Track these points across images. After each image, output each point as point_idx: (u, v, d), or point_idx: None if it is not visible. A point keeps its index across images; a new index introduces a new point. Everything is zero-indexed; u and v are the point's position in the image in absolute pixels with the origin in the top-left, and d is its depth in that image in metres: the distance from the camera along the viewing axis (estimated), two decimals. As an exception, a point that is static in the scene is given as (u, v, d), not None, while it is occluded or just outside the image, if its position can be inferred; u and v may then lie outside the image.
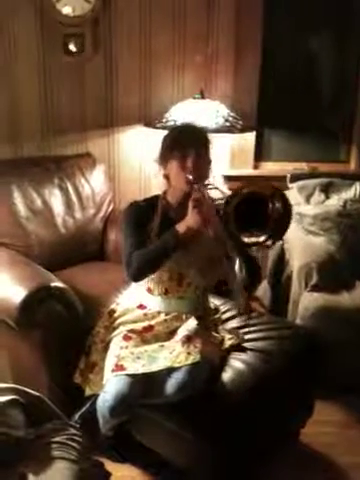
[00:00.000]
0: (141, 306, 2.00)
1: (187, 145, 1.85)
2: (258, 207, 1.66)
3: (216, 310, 2.13)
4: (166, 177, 1.94)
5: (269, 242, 1.68)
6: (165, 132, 2.02)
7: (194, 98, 2.81)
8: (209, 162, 1.92)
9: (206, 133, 1.97)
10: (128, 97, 2.98)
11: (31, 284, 2.04)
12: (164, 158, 1.91)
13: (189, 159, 1.84)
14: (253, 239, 1.66)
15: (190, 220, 1.77)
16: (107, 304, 2.11)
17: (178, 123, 2.63)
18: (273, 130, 3.27)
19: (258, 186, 1.69)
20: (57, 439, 1.53)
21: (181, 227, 1.80)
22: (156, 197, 1.99)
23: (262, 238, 1.67)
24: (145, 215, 1.92)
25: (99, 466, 1.66)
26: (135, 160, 3.08)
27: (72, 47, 2.83)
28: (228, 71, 3.01)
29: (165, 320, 1.95)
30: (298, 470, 2.07)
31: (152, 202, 1.96)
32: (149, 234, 1.89)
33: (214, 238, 1.74)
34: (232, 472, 1.83)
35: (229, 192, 1.97)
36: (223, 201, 1.67)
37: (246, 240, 1.66)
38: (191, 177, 1.83)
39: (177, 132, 1.99)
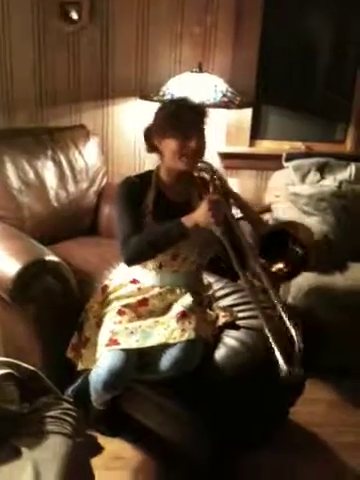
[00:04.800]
0: (134, 281, 1.98)
1: (190, 126, 1.79)
2: (280, 240, 1.78)
3: (210, 287, 2.13)
4: (157, 151, 1.89)
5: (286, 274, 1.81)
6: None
7: (192, 71, 2.75)
8: (206, 142, 1.86)
9: (206, 113, 1.88)
10: (124, 68, 2.92)
11: (25, 258, 2.01)
12: (161, 134, 1.84)
13: (192, 141, 1.78)
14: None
15: (201, 218, 1.73)
16: (100, 280, 2.09)
17: (175, 97, 2.57)
18: (270, 107, 3.23)
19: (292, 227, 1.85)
20: (51, 413, 1.54)
21: (189, 222, 1.75)
22: (150, 172, 1.95)
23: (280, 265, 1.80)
24: (139, 192, 1.89)
25: (92, 440, 1.68)
26: (130, 133, 3.03)
27: (68, 15, 2.75)
28: (227, 44, 2.94)
29: (160, 293, 1.94)
30: (288, 451, 2.08)
31: (146, 178, 1.92)
32: (143, 211, 1.86)
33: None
34: (225, 447, 1.84)
35: (224, 173, 2.00)
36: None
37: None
38: (200, 164, 1.83)
39: (179, 110, 1.84)
